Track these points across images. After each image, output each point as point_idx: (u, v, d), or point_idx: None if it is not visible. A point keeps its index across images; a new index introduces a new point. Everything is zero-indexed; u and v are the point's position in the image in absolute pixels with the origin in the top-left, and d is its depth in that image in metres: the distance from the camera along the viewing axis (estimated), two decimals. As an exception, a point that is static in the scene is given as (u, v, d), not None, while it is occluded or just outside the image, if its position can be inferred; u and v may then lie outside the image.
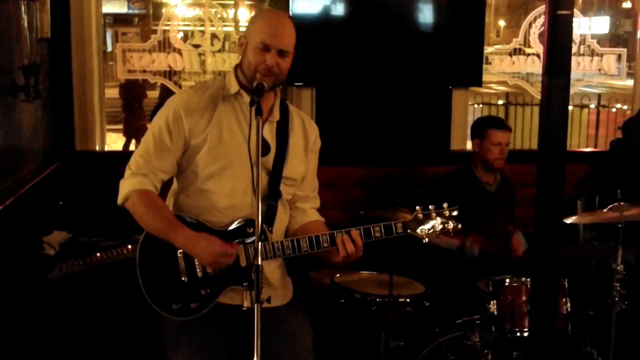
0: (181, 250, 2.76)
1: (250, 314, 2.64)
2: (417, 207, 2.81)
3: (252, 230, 2.75)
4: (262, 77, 2.72)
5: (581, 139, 10.37)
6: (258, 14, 2.94)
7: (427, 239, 2.81)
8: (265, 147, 2.81)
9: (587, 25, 6.06)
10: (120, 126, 10.95)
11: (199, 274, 2.78)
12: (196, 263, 2.77)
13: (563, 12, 3.00)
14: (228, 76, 2.87)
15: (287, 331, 2.95)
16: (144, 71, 5.36)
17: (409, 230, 2.79)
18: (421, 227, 2.80)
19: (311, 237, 2.74)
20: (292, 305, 3.03)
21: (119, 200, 2.78)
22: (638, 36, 6.03)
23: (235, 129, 2.79)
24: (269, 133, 2.85)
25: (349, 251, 2.72)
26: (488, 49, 5.93)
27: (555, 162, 3.07)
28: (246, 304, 2.56)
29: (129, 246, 4.05)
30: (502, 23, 24.33)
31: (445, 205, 2.83)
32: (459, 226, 2.83)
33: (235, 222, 2.78)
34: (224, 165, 2.77)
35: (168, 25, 5.35)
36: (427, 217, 2.81)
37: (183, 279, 2.78)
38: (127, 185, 2.77)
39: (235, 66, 2.88)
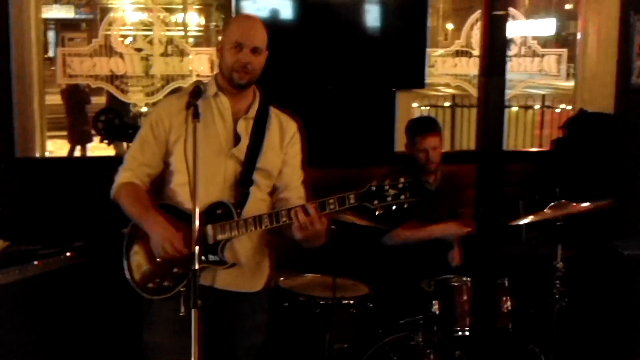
0: None
1: (220, 295, 3.07)
2: (373, 181, 2.89)
3: (220, 211, 3.00)
4: (239, 75, 3.03)
5: (526, 140, 10.50)
6: (231, 20, 3.22)
7: (380, 211, 2.89)
8: (236, 139, 3.11)
9: (530, 27, 6.14)
10: (65, 132, 10.82)
11: None
12: None
13: (498, 12, 3.04)
14: (210, 81, 3.19)
15: (248, 327, 3.20)
16: (86, 76, 5.28)
17: (362, 202, 2.89)
18: (375, 199, 2.88)
19: (271, 213, 2.97)
20: (260, 301, 3.26)
21: (112, 195, 3.13)
22: (578, 37, 6.11)
23: (210, 125, 3.08)
24: (243, 128, 3.13)
25: (301, 220, 2.87)
26: (436, 52, 5.98)
27: (494, 160, 3.11)
28: (183, 309, 2.76)
29: (68, 254, 3.99)
30: (450, 26, 24.57)
31: (402, 179, 2.89)
32: (411, 198, 2.88)
33: (207, 206, 2.98)
34: (200, 158, 2.86)
35: (110, 29, 5.28)
36: (381, 190, 2.87)
37: (158, 259, 3.02)
38: (116, 181, 3.14)
39: (215, 73, 3.20)
